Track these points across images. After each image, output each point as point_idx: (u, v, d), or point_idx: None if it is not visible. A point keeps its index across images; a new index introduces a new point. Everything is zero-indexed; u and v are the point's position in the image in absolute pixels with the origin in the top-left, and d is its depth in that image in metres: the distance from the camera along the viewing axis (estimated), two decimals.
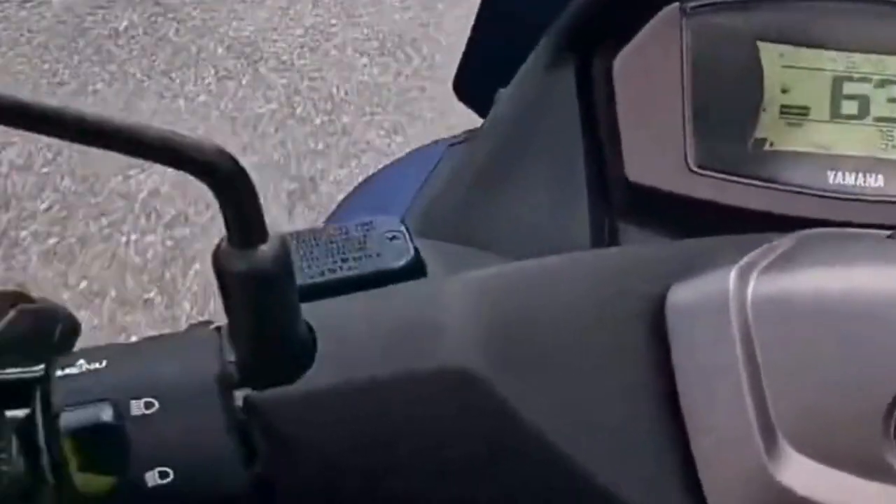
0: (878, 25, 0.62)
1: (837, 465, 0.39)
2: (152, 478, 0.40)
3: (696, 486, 0.40)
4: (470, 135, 0.75)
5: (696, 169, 0.62)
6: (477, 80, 0.78)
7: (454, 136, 0.76)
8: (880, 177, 0.62)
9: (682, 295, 0.42)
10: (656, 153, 0.62)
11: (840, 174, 0.62)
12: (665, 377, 0.41)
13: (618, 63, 0.64)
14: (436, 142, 0.79)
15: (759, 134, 0.63)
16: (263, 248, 0.38)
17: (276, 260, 0.38)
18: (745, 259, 0.42)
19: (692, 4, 0.63)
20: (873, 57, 0.62)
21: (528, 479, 0.41)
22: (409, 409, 0.41)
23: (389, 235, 0.46)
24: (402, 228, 0.46)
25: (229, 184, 0.36)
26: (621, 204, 0.63)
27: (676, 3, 0.63)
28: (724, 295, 0.41)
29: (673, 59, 0.63)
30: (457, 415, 0.41)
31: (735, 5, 0.63)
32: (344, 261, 0.45)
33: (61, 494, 0.41)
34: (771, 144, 0.63)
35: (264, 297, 0.39)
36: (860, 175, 0.62)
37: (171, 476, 0.40)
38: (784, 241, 0.45)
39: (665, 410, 0.41)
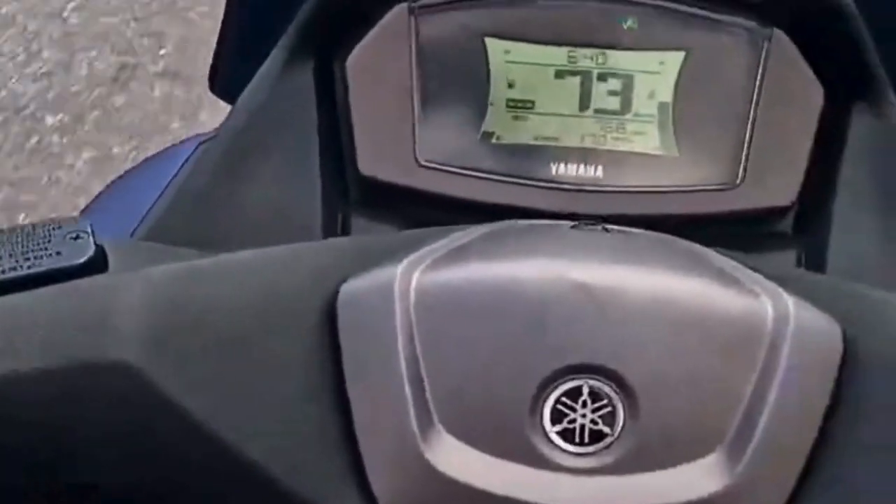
0: (597, 21, 0.66)
1: (488, 448, 0.41)
2: None
3: (362, 470, 0.42)
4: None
5: (425, 163, 0.64)
6: (230, 74, 0.79)
7: (207, 133, 0.76)
8: (600, 168, 0.65)
9: (353, 288, 0.44)
10: (387, 147, 0.64)
11: (563, 165, 0.65)
12: (335, 368, 0.43)
13: (351, 60, 0.65)
14: (190, 138, 0.79)
15: (486, 128, 0.65)
16: None
17: None
18: (418, 252, 0.44)
19: (421, 3, 0.65)
20: (593, 51, 0.65)
21: (194, 474, 0.42)
22: (69, 403, 0.42)
23: (73, 235, 0.46)
24: (88, 228, 0.47)
25: None
26: (355, 198, 0.65)
27: (406, 3, 0.65)
28: (390, 286, 0.43)
29: (403, 55, 0.65)
30: (117, 408, 0.42)
31: (463, 4, 0.66)
32: (26, 259, 0.45)
33: None
34: (498, 138, 0.65)
35: None
36: (581, 166, 0.65)
37: None
38: (465, 234, 0.47)
39: (334, 400, 0.42)
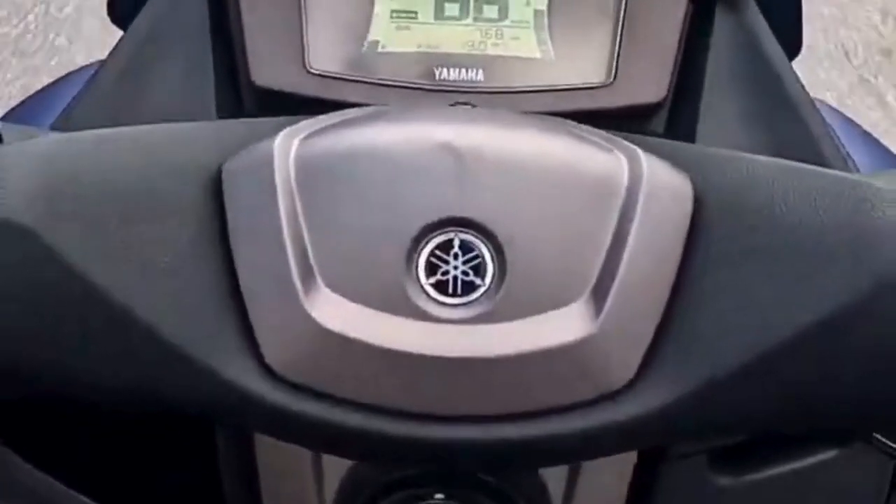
0: None
1: (368, 302, 0.45)
2: None
3: (251, 330, 0.45)
4: None
5: (315, 70, 0.68)
6: (128, 2, 0.81)
7: None
8: (480, 71, 0.69)
9: (236, 161, 0.47)
10: (278, 57, 0.68)
11: (445, 70, 0.69)
12: (221, 234, 0.46)
13: None
14: (98, 62, 0.82)
15: (371, 37, 0.69)
16: None
17: None
18: (294, 127, 0.48)
19: None
20: None
21: (90, 335, 0.45)
22: None
23: None
24: None
25: None
26: (249, 106, 0.68)
27: None
28: (269, 156, 0.46)
29: None
30: (13, 268, 0.44)
31: None
32: None
33: None
34: (383, 46, 0.69)
35: None
36: (463, 70, 0.69)
37: None
38: (342, 113, 0.50)
39: (221, 266, 0.45)
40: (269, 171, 0.45)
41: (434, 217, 0.45)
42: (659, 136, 0.70)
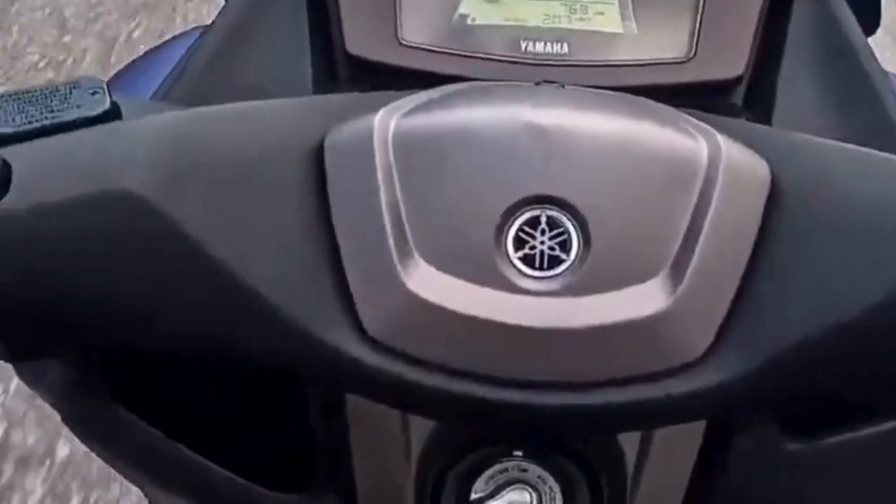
0: None
1: (460, 274, 0.47)
2: None
3: (350, 297, 0.48)
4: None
5: (406, 42, 0.71)
6: None
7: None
8: (565, 44, 0.71)
9: (337, 136, 0.50)
10: (372, 29, 0.71)
11: (531, 43, 0.71)
12: (323, 206, 0.49)
13: None
14: (195, 28, 0.85)
15: (461, 10, 0.71)
16: None
17: None
18: (392, 105, 0.51)
19: None
20: None
21: (196, 297, 0.48)
22: (90, 228, 0.47)
23: (91, 91, 0.52)
24: (103, 85, 0.52)
25: None
26: (344, 76, 0.72)
27: None
28: (370, 133, 0.49)
29: None
30: (129, 231, 0.48)
31: None
32: (50, 112, 0.51)
33: None
34: (473, 19, 0.72)
35: None
36: (548, 43, 0.71)
37: None
38: (438, 90, 0.53)
39: (323, 236, 0.49)
40: (370, 148, 0.49)
41: (522, 194, 0.48)
42: (737, 109, 0.72)
